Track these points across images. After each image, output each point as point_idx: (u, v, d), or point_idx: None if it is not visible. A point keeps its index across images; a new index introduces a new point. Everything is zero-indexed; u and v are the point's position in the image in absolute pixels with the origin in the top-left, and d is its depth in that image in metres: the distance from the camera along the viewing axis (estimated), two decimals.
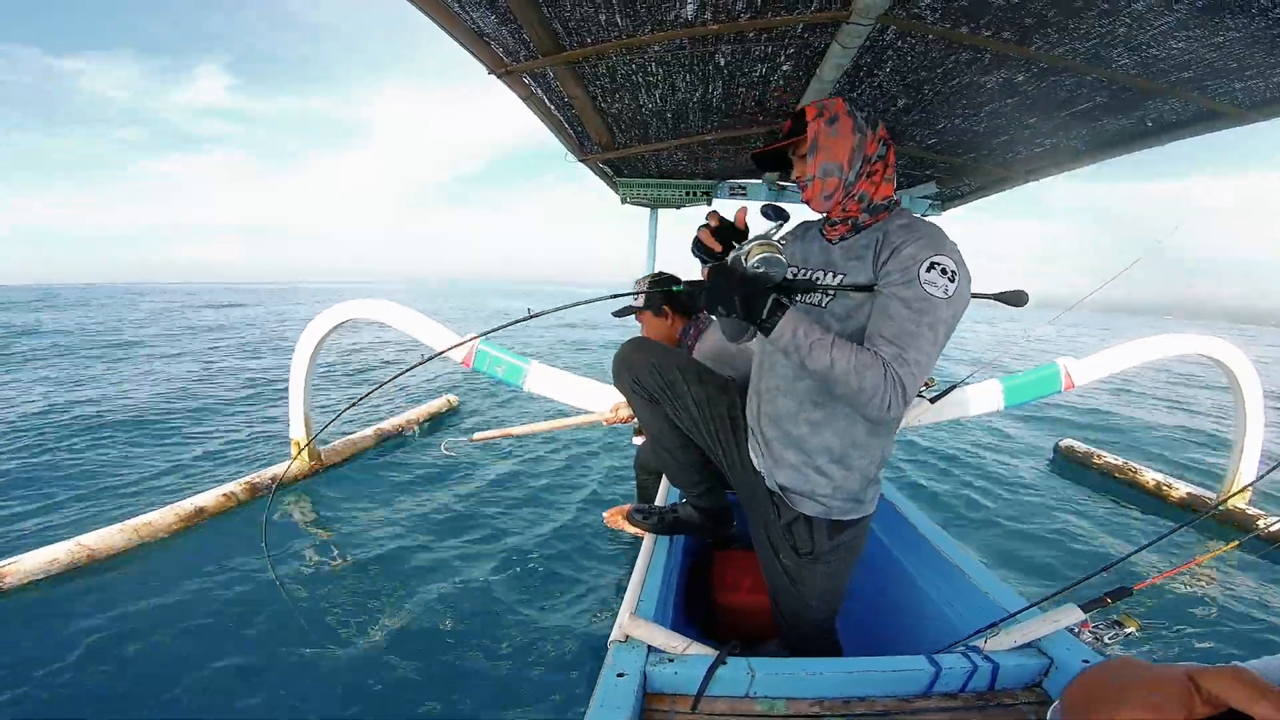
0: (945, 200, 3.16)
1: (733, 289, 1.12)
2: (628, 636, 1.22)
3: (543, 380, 3.12)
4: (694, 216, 4.08)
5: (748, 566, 1.96)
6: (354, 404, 1.86)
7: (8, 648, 2.06)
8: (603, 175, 3.15)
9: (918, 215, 1.29)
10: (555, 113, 2.20)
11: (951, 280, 1.11)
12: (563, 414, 3.26)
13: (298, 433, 3.71)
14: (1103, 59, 1.53)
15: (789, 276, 1.33)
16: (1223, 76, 1.51)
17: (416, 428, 4.93)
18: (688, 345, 2.35)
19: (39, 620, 2.22)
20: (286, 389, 3.69)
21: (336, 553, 2.84)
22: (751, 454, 1.45)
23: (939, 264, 1.12)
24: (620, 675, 1.10)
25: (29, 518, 3.10)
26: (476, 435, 3.62)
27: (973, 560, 1.68)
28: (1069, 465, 4.76)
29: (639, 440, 2.99)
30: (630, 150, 2.70)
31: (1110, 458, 4.53)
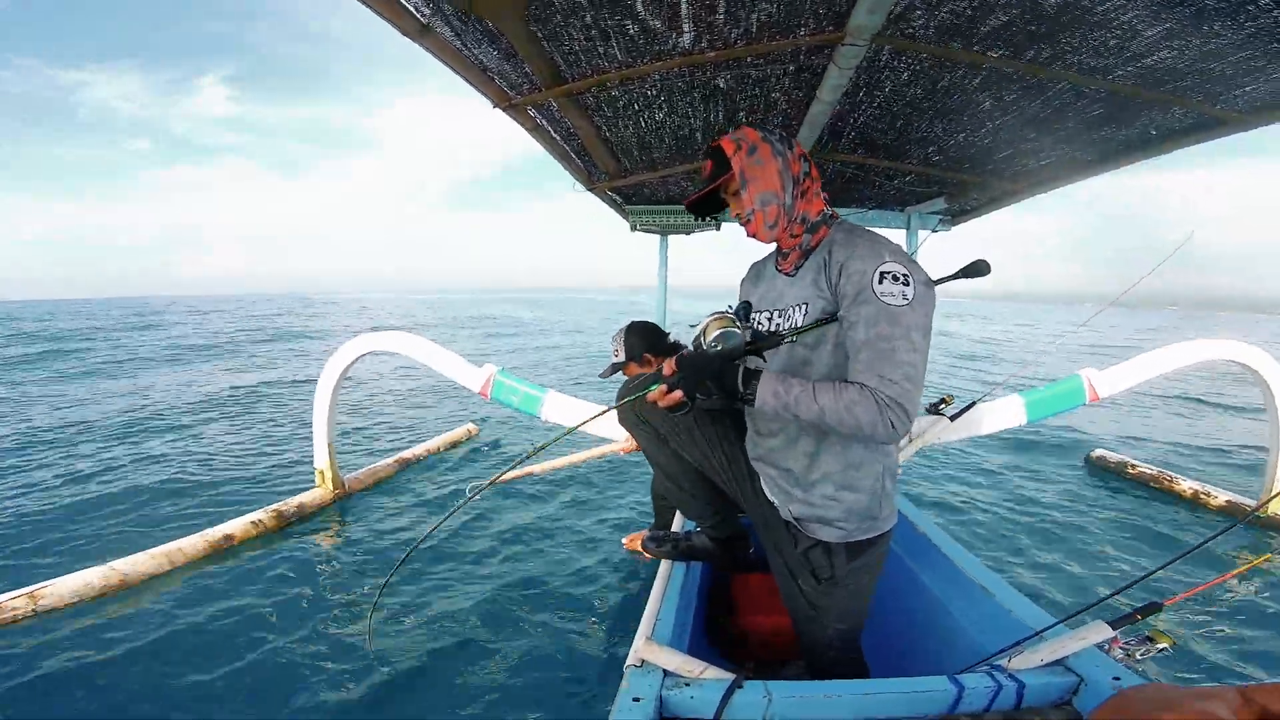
0: (954, 215, 3.14)
1: (702, 374, 1.17)
2: (643, 661, 1.21)
3: (559, 409, 3.13)
4: (703, 241, 4.11)
5: (766, 588, 1.94)
6: None
7: (42, 670, 2.11)
8: (612, 203, 3.21)
9: (852, 222, 1.28)
10: (561, 143, 2.26)
11: (906, 284, 1.11)
12: (582, 447, 3.27)
13: (321, 461, 3.78)
14: (1098, 71, 1.54)
15: (755, 330, 1.36)
16: (1221, 83, 1.51)
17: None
18: None
19: (73, 643, 2.27)
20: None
21: (360, 578, 2.88)
22: (764, 485, 1.43)
23: (888, 272, 1.11)
24: (636, 699, 1.09)
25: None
26: (501, 477, 3.64)
27: (996, 578, 1.65)
28: (1102, 475, 4.63)
29: None
30: (638, 178, 2.76)
31: (1145, 467, 4.38)
